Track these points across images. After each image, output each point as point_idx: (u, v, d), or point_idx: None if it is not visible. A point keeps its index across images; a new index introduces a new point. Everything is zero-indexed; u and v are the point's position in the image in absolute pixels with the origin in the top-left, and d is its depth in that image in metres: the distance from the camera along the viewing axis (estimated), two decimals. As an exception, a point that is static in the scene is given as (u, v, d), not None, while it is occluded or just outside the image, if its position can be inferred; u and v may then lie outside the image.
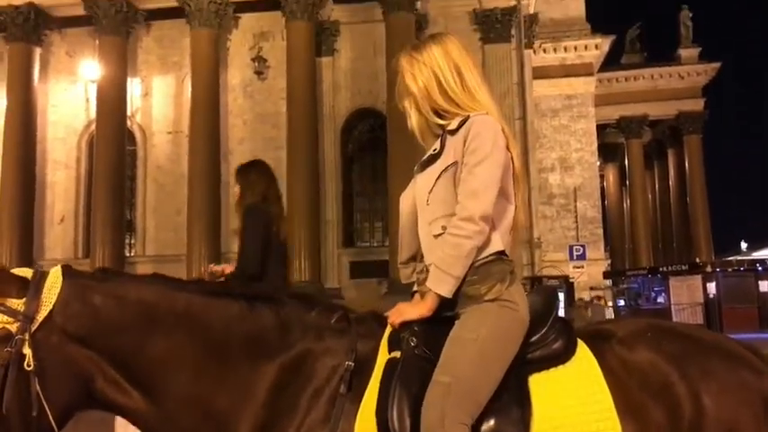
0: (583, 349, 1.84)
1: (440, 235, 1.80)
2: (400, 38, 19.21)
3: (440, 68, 1.87)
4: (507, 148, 1.85)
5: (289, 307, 1.77)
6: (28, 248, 24.78)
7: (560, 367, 1.79)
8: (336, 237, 23.69)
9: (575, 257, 21.25)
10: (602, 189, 37.79)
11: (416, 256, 1.94)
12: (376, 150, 23.67)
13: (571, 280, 21.12)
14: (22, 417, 1.41)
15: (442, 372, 1.68)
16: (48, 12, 25.21)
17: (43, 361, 1.47)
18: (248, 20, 24.40)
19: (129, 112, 24.73)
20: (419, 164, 1.96)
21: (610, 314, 24.34)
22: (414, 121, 1.99)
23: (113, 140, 23.92)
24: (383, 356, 1.74)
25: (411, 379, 1.67)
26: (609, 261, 33.56)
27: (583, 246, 22.57)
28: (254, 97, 24.40)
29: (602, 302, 22.69)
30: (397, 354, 1.72)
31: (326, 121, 23.76)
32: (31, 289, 1.59)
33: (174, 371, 1.51)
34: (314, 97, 23.01)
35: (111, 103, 23.98)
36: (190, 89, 23.81)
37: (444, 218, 1.80)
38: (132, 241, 25.68)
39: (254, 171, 3.97)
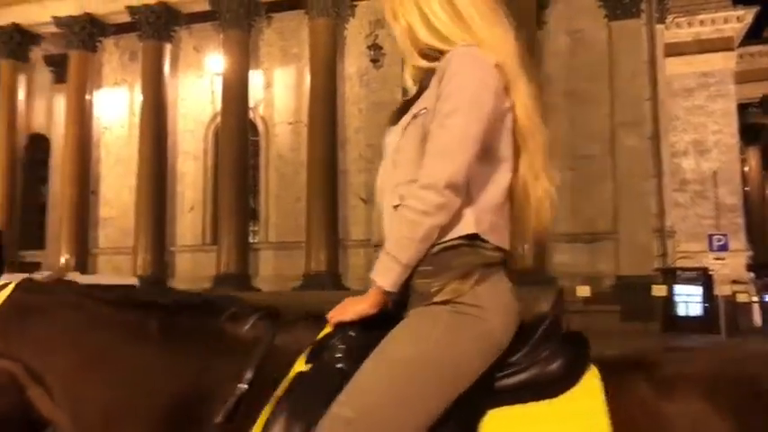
0: (590, 381, 1.27)
1: (399, 206, 1.34)
2: (516, 20, 18.40)
3: None
4: (506, 92, 1.33)
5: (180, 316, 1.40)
6: (161, 235, 26.31)
7: (542, 402, 1.24)
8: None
9: (715, 248, 19.48)
10: (743, 174, 34.68)
11: None
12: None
13: (710, 272, 19.41)
14: None
15: (345, 401, 1.20)
16: (177, 9, 26.55)
17: None
18: (364, 7, 24.36)
19: (251, 104, 25.56)
20: (390, 115, 1.55)
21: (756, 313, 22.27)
22: (406, 72, 1.51)
23: (237, 131, 24.82)
24: (294, 371, 1.28)
25: (311, 403, 1.19)
26: (750, 253, 30.77)
27: (724, 235, 20.70)
28: (370, 85, 24.36)
29: (746, 297, 20.73)
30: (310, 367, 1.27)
31: (443, 107, 23.31)
32: None
33: (74, 389, 1.36)
34: (430, 83, 22.66)
35: (235, 95, 24.87)
36: (308, 80, 24.19)
37: (408, 184, 1.33)
38: (256, 228, 26.58)
39: None
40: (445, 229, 1.29)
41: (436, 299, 1.26)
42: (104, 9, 27.02)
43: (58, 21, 27.52)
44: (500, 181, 1.33)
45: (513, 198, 1.35)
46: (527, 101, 1.32)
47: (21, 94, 29.01)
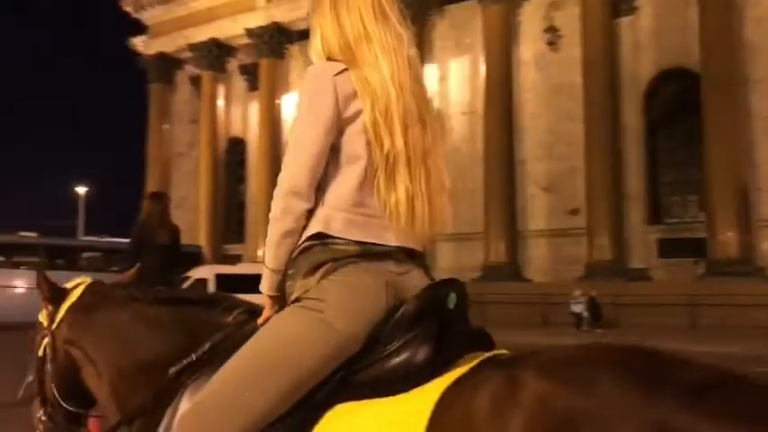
0: (445, 379, 1.14)
1: None
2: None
3: (320, 17, 1.44)
4: (355, 97, 1.31)
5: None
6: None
7: (385, 399, 1.16)
8: (640, 212, 21.75)
9: None
10: None
11: None
12: (687, 114, 21.05)
13: None
14: (41, 385, 1.90)
15: (205, 386, 1.32)
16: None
17: (54, 351, 1.88)
18: (539, -10, 23.61)
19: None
20: None
21: None
22: None
23: (413, 125, 25.26)
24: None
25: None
26: None
27: None
28: (547, 70, 23.56)
29: None
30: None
31: (626, 88, 21.87)
32: (60, 300, 1.93)
33: (109, 365, 1.78)
34: (612, 63, 21.39)
35: (411, 89, 25.33)
36: (483, 69, 23.98)
37: None
38: (432, 220, 26.91)
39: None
40: (302, 232, 1.32)
41: (291, 298, 1.32)
42: (290, 17, 28.82)
43: (249, 32, 29.93)
44: (352, 180, 1.32)
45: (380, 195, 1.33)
46: (376, 114, 1.29)
47: (220, 102, 31.99)
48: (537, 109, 23.83)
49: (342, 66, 1.34)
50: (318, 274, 1.28)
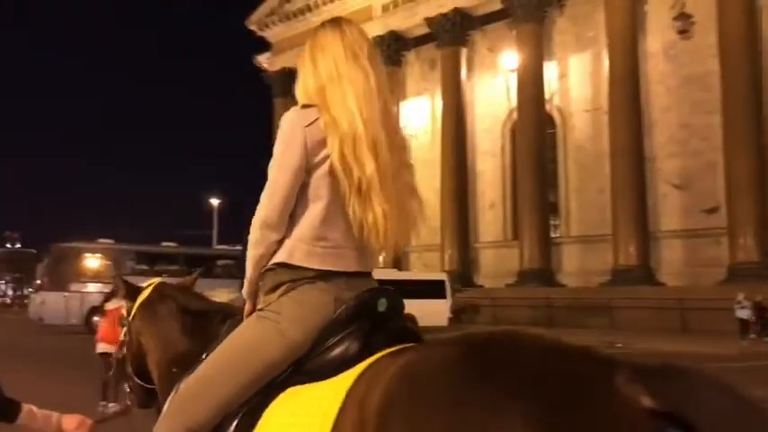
0: (362, 365, 1.37)
1: None
2: None
3: (301, 62, 1.66)
4: (323, 144, 1.51)
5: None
6: (465, 233, 27.42)
7: (321, 383, 1.41)
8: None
9: None
10: None
11: None
12: None
13: None
14: (126, 363, 2.33)
15: (186, 380, 1.63)
16: (470, 13, 27.42)
17: (130, 337, 2.31)
18: (667, -24, 22.25)
19: (546, 96, 25.16)
20: None
21: None
22: None
23: (533, 125, 24.64)
24: None
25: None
26: None
27: None
28: (678, 60, 22.13)
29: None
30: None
31: (771, 75, 20.07)
32: (135, 297, 2.33)
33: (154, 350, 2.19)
34: (753, 48, 19.70)
35: (530, 89, 24.72)
36: (606, 63, 22.94)
37: None
38: (557, 222, 26.08)
39: None
40: (270, 256, 1.57)
41: (258, 308, 1.58)
42: (405, 24, 29.14)
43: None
44: (315, 217, 1.52)
45: (354, 226, 1.53)
46: (344, 149, 1.48)
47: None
48: (667, 102, 22.45)
49: (313, 116, 1.53)
50: (279, 292, 1.53)
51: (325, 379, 1.41)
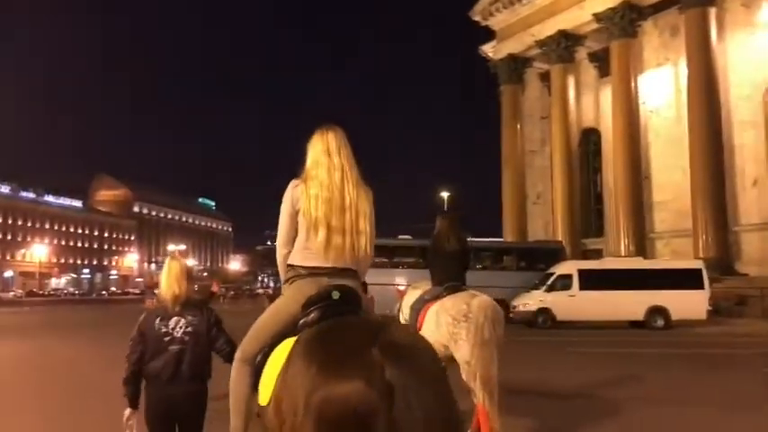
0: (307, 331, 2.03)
1: None
2: None
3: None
4: (299, 201, 2.52)
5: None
6: (722, 215, 24.37)
7: (295, 337, 2.08)
8: None
9: None
10: None
11: None
12: None
13: None
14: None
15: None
16: (718, -33, 24.31)
17: None
18: None
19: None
20: None
21: None
22: None
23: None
24: None
25: None
26: None
27: None
28: None
29: None
30: None
31: None
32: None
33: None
34: None
35: (800, 44, 21.12)
36: None
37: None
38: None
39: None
40: (285, 261, 2.59)
41: (282, 290, 2.58)
42: (639, -9, 26.70)
43: (597, 16, 28.66)
44: (302, 236, 2.51)
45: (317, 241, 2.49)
46: (308, 202, 2.48)
47: (570, 94, 31.25)
48: None
49: (297, 183, 2.53)
50: (289, 282, 2.51)
51: (298, 334, 2.12)
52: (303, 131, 2.66)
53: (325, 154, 2.54)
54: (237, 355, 2.50)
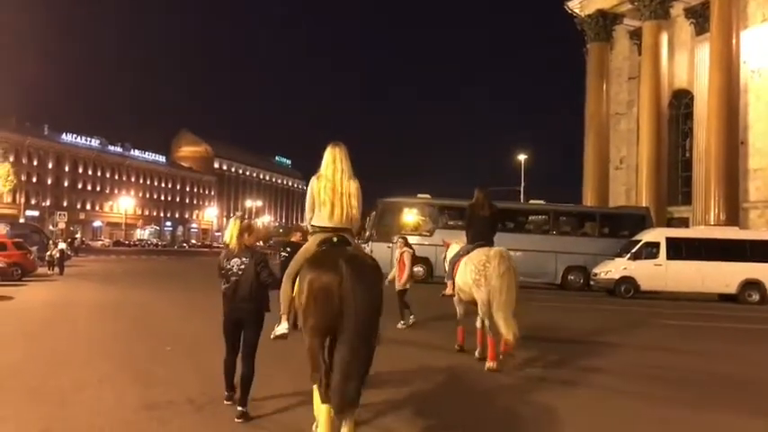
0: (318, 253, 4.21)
1: None
2: None
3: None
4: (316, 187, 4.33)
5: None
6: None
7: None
8: None
9: None
10: None
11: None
12: None
13: None
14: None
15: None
16: None
17: None
18: None
19: None
20: None
21: None
22: None
23: None
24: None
25: None
26: None
27: None
28: None
29: None
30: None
31: None
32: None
33: None
34: None
35: None
36: None
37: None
38: None
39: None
40: (311, 223, 4.48)
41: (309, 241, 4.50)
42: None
43: (697, -32, 26.70)
44: (319, 209, 4.28)
45: (327, 212, 4.35)
46: (320, 189, 4.28)
47: (663, 52, 29.45)
48: None
49: (317, 176, 4.36)
50: (311, 234, 4.40)
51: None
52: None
53: (331, 161, 4.31)
54: (286, 273, 4.19)
